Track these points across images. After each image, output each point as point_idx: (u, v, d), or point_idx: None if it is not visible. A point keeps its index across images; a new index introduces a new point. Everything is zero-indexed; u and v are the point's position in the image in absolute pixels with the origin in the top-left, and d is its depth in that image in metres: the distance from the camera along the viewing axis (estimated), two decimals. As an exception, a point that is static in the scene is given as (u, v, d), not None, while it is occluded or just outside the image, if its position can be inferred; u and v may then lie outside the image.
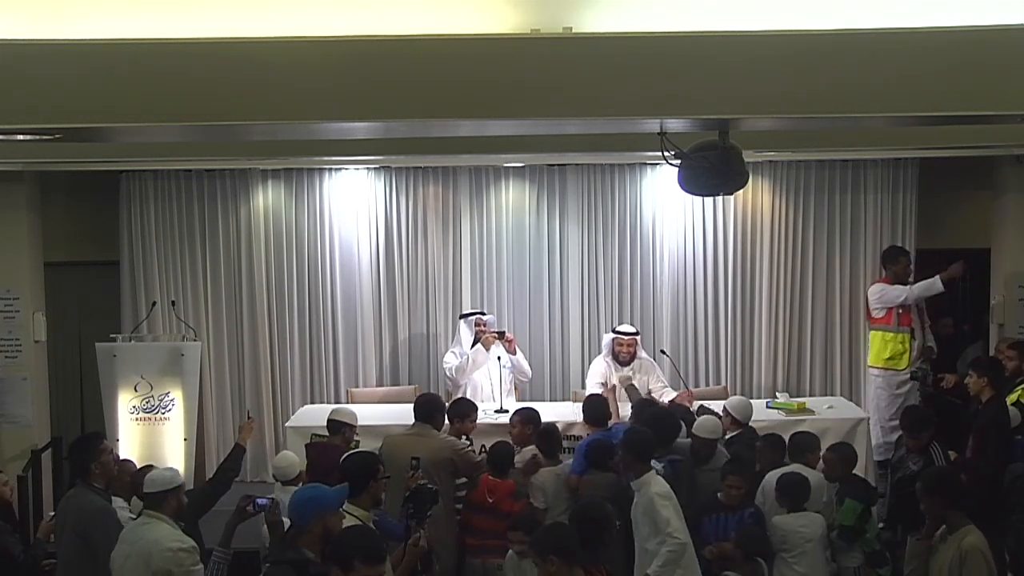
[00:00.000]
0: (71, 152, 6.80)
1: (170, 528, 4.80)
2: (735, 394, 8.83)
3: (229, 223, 8.99)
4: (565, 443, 6.87)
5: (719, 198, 8.65)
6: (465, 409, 6.66)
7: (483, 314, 8.19)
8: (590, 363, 8.77)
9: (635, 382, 7.63)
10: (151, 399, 7.86)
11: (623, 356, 7.83)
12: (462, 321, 8.15)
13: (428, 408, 6.34)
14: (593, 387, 7.76)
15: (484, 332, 7.95)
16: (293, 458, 6.24)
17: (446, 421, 6.46)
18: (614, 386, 7.60)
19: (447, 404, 6.69)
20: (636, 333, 8.01)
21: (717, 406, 7.09)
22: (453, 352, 8.06)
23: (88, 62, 4.36)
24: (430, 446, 6.04)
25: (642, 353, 8.04)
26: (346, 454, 5.52)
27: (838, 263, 9.03)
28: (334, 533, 4.24)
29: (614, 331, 8.03)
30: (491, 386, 7.97)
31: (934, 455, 6.08)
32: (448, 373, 8.04)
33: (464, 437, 6.52)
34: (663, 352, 8.42)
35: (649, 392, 7.72)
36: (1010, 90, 4.44)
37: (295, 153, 7.62)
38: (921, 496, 4.85)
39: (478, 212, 9.06)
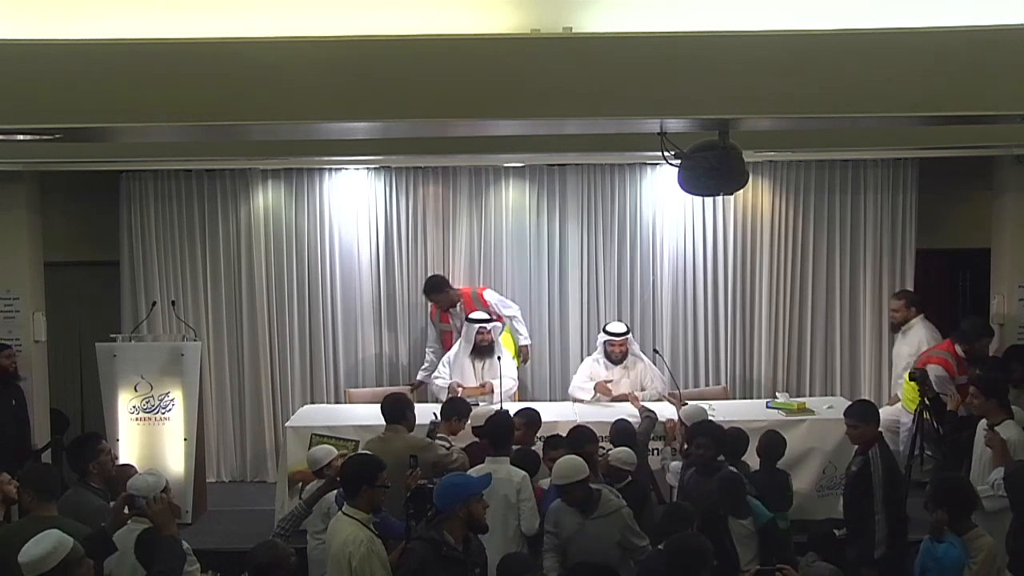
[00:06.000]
0: (71, 152, 6.80)
1: None
2: (735, 395, 8.85)
3: (229, 223, 8.99)
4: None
5: (719, 198, 8.65)
6: (461, 408, 6.69)
7: (488, 321, 8.15)
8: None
9: (627, 378, 7.89)
10: (151, 399, 7.87)
11: (615, 356, 7.98)
12: (466, 325, 8.09)
13: (398, 408, 6.23)
14: (583, 383, 7.99)
15: (485, 339, 7.96)
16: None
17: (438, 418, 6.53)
18: (604, 384, 7.88)
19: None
20: (626, 332, 8.07)
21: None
22: (444, 365, 8.09)
23: (88, 62, 4.36)
24: (402, 449, 5.82)
25: (635, 349, 8.10)
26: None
27: (838, 263, 9.02)
28: (477, 519, 4.54)
29: (605, 331, 8.10)
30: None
31: (872, 458, 5.96)
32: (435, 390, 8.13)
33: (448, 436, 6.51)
34: (656, 351, 8.41)
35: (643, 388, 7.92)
36: (1010, 90, 4.45)
37: (295, 153, 7.62)
38: (933, 505, 4.94)
39: (478, 212, 9.05)
